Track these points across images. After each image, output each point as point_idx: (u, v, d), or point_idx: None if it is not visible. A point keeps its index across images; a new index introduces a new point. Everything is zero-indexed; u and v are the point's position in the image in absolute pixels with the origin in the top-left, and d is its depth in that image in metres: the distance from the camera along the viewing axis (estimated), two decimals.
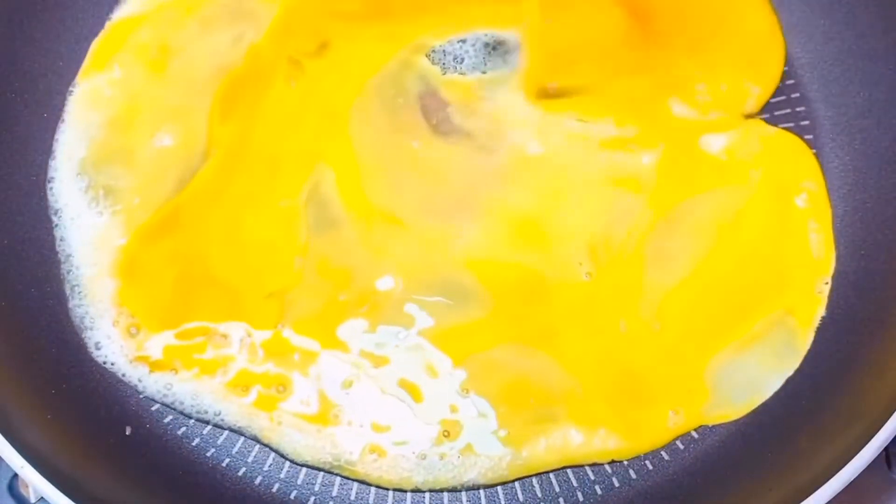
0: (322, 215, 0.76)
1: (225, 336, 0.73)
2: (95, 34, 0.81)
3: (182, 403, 0.72)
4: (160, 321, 0.74)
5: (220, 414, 0.72)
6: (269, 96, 0.79)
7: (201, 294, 0.74)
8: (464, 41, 0.80)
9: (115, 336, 0.73)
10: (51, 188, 0.77)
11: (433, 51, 0.80)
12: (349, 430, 0.71)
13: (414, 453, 0.71)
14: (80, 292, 0.75)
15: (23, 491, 0.70)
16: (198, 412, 0.72)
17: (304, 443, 0.71)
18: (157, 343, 0.73)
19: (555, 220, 0.76)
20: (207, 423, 0.72)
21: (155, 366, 0.73)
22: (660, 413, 0.72)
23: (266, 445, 0.71)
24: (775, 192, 0.77)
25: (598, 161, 0.77)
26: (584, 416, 0.71)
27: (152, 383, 0.73)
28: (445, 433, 0.71)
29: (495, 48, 0.80)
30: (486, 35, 0.81)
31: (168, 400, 0.72)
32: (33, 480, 0.62)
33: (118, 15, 0.81)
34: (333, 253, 0.75)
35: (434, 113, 0.79)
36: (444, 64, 0.80)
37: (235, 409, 0.72)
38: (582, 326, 0.73)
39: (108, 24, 0.81)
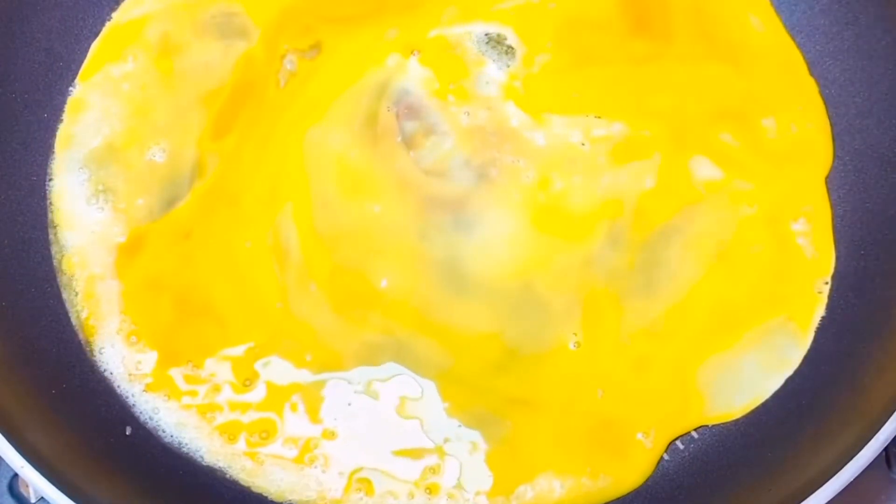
0: (286, 260, 0.75)
1: (216, 383, 0.72)
2: (96, 34, 0.81)
3: (164, 432, 0.72)
4: (160, 341, 0.73)
5: (200, 451, 0.71)
6: (256, 119, 0.78)
7: (198, 326, 0.73)
8: (459, 41, 0.80)
9: (118, 344, 0.73)
10: (51, 187, 0.77)
11: (422, 52, 0.79)
12: (333, 470, 0.71)
13: (402, 493, 0.70)
14: (82, 294, 0.74)
15: (23, 491, 0.70)
16: (178, 444, 0.71)
17: (288, 480, 0.70)
18: (155, 367, 0.73)
19: (548, 275, 0.74)
20: (186, 457, 0.71)
21: (148, 386, 0.73)
22: (643, 446, 0.71)
23: (246, 488, 0.71)
24: (772, 212, 0.76)
25: (595, 181, 0.76)
26: (566, 467, 0.71)
27: (143, 402, 0.72)
28: (432, 471, 0.71)
29: (493, 47, 0.80)
30: (480, 33, 0.80)
31: (150, 425, 0.72)
32: (33, 480, 0.62)
33: (118, 15, 0.81)
34: (299, 307, 0.73)
35: (412, 124, 0.77)
36: (434, 68, 0.79)
37: (218, 449, 0.71)
38: (563, 394, 0.72)
39: (107, 24, 0.81)
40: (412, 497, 0.70)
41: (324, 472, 0.70)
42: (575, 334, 0.73)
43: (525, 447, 0.71)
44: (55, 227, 0.76)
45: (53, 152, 0.78)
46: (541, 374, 0.72)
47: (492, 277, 0.74)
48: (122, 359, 0.73)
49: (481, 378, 0.72)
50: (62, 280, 0.75)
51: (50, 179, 0.77)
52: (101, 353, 0.73)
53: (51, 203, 0.77)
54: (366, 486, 0.70)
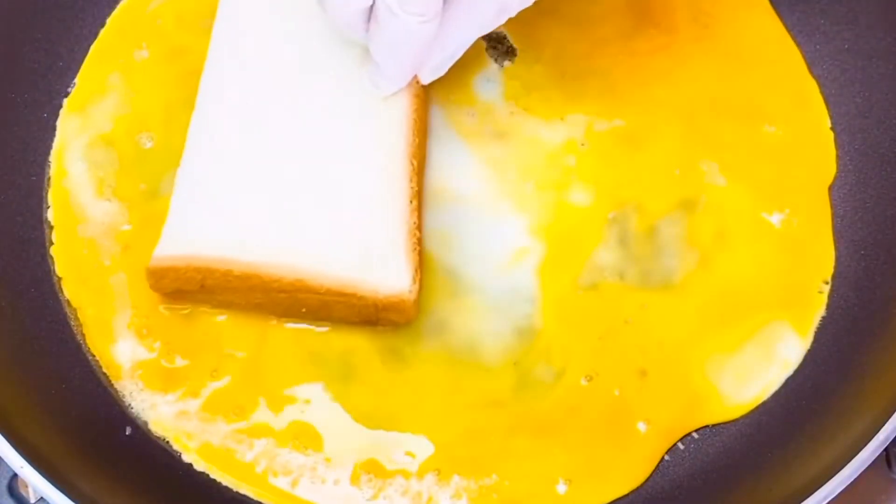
0: None
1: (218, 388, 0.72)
2: (95, 34, 0.81)
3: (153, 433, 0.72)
4: (167, 335, 0.73)
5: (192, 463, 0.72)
6: None
7: (203, 318, 0.73)
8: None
9: (130, 338, 0.73)
10: (51, 186, 0.77)
11: None
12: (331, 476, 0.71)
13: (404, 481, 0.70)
14: (92, 288, 0.74)
15: (23, 491, 0.70)
16: (166, 443, 0.71)
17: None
18: (161, 362, 0.73)
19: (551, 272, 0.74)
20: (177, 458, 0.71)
21: (151, 383, 0.72)
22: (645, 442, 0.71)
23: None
24: (772, 213, 0.76)
25: (596, 178, 0.76)
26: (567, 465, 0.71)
27: (141, 402, 0.72)
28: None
29: (494, 48, 0.80)
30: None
31: (150, 425, 0.72)
32: (33, 480, 0.62)
33: (117, 15, 0.82)
34: None
35: None
36: None
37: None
38: (574, 421, 0.71)
39: (107, 25, 0.81)
40: (408, 479, 0.70)
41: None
42: (590, 378, 0.72)
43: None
44: (53, 227, 0.76)
45: (53, 151, 0.78)
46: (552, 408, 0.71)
47: (492, 277, 0.74)
48: (133, 353, 0.73)
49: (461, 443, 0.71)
50: (65, 278, 0.75)
51: (49, 178, 0.77)
52: (110, 348, 0.73)
53: (49, 202, 0.77)
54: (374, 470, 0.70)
